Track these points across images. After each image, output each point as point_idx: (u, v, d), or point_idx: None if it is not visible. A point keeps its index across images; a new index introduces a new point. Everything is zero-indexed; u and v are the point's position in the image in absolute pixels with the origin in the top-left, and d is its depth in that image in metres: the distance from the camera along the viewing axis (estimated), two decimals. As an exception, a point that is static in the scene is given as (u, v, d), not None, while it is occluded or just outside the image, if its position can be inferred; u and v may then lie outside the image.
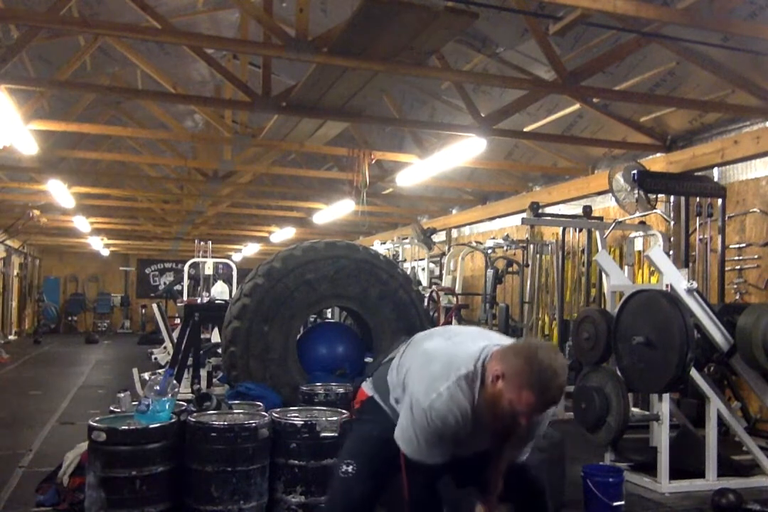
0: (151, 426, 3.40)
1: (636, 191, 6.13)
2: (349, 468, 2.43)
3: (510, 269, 9.41)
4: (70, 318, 21.01)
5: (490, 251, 9.37)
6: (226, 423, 3.55)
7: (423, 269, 10.93)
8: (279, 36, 4.55)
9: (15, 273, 17.90)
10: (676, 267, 4.68)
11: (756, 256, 6.16)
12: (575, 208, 8.30)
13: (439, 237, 12.05)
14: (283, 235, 15.21)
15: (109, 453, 3.32)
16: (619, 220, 6.48)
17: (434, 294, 9.13)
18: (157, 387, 3.56)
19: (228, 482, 3.41)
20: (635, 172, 6.00)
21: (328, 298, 5.46)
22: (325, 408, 4.07)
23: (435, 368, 2.23)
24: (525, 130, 7.48)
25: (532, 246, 8.76)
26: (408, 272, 9.33)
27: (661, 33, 4.94)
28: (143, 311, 20.97)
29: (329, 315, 9.15)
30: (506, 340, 2.37)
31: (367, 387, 2.62)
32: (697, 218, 6.53)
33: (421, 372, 2.27)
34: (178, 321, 9.58)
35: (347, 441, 2.62)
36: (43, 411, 6.95)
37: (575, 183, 8.43)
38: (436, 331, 2.62)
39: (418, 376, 2.27)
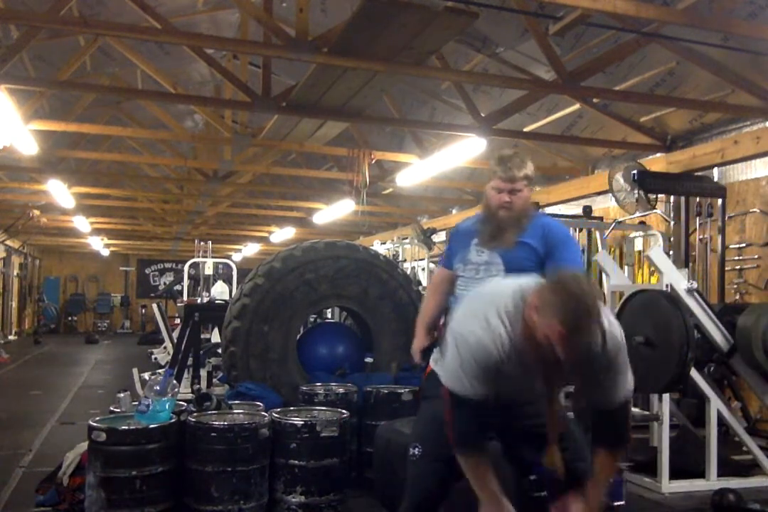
0: (151, 426, 3.40)
1: (636, 191, 6.13)
2: (416, 451, 2.47)
3: (510, 269, 9.38)
4: (70, 318, 21.01)
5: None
6: (226, 423, 3.55)
7: (423, 269, 10.93)
8: (279, 36, 4.55)
9: (15, 273, 17.91)
10: (676, 267, 4.68)
11: (756, 256, 6.17)
12: (575, 208, 8.29)
13: (439, 237, 12.04)
14: (283, 235, 15.21)
15: (109, 453, 3.32)
16: (619, 219, 6.48)
17: (434, 294, 9.10)
18: (157, 387, 3.56)
19: (228, 482, 3.41)
20: (635, 172, 6.00)
21: (328, 298, 5.46)
22: (325, 408, 4.07)
23: (476, 305, 2.24)
24: (525, 130, 7.48)
25: (532, 246, 8.75)
26: (408, 272, 9.32)
27: (661, 33, 4.94)
28: (143, 311, 20.98)
29: (329, 315, 9.14)
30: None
31: (432, 360, 2.64)
32: (697, 218, 6.53)
33: (462, 312, 2.29)
34: (178, 321, 9.58)
35: (416, 420, 2.63)
36: (43, 411, 6.95)
37: (575, 183, 8.43)
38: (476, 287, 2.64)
39: (460, 315, 2.28)
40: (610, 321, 2.15)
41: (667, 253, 5.83)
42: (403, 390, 4.53)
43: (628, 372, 2.21)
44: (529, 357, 2.11)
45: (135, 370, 7.91)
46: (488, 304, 2.20)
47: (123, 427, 3.38)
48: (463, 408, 2.21)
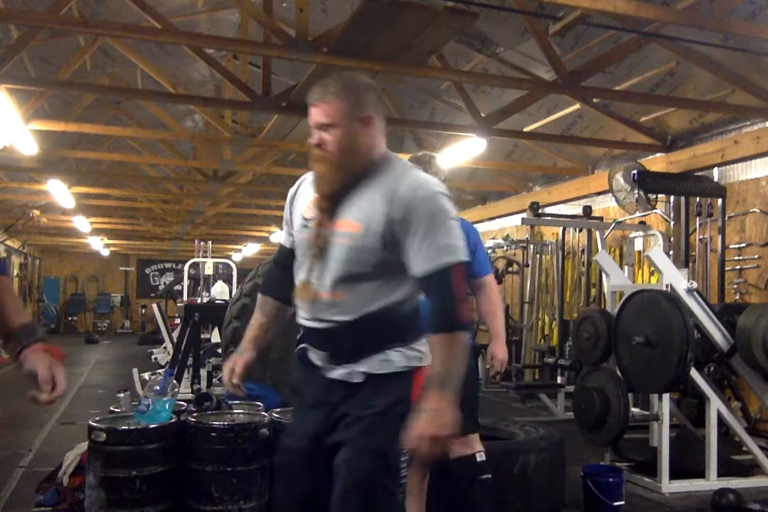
0: (151, 426, 3.40)
1: (636, 191, 6.13)
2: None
3: (510, 269, 9.41)
4: (70, 318, 21.00)
5: (490, 251, 9.37)
6: (226, 423, 3.55)
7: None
8: (279, 36, 4.55)
9: (15, 273, 17.90)
10: (676, 267, 4.68)
11: (756, 256, 6.17)
12: (575, 208, 8.30)
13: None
14: (283, 235, 15.19)
15: (109, 453, 3.31)
16: (619, 220, 6.49)
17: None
18: (157, 387, 3.56)
19: (228, 482, 3.40)
20: (635, 172, 6.00)
21: (328, 298, 5.46)
22: (325, 408, 4.06)
23: None
24: (525, 130, 7.48)
25: (532, 246, 8.77)
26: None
27: (661, 33, 4.95)
28: (143, 311, 20.96)
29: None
30: None
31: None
32: (697, 218, 6.54)
33: None
34: (178, 321, 9.58)
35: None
36: (43, 411, 6.94)
37: (575, 183, 8.43)
38: None
39: None
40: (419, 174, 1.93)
41: (667, 253, 5.83)
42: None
43: (444, 236, 1.80)
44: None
45: (135, 370, 7.91)
46: None
47: (123, 427, 3.38)
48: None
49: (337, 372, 1.97)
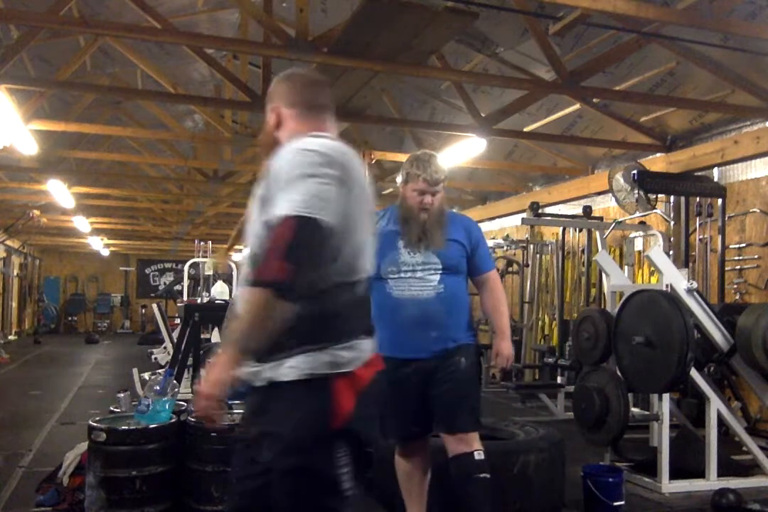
0: (151, 426, 3.40)
1: (636, 191, 6.13)
2: None
3: (510, 269, 9.41)
4: (70, 318, 21.01)
5: (489, 251, 9.37)
6: (226, 423, 3.55)
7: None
8: (279, 36, 4.55)
9: (15, 273, 17.91)
10: (676, 267, 4.68)
11: (756, 256, 6.17)
12: (575, 208, 8.30)
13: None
14: (283, 234, 15.16)
15: (109, 453, 3.32)
16: (619, 220, 6.49)
17: (434, 294, 9.09)
18: (157, 387, 3.56)
19: (228, 482, 3.40)
20: (635, 172, 6.00)
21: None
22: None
23: None
24: (525, 130, 7.48)
25: (532, 246, 8.77)
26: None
27: (661, 33, 4.95)
28: (143, 311, 20.97)
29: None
30: None
31: None
32: (697, 218, 6.54)
33: None
34: (178, 321, 9.57)
35: None
36: (43, 411, 6.95)
37: (575, 183, 8.43)
38: None
39: None
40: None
41: (667, 253, 5.83)
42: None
43: (286, 191, 1.70)
44: None
45: (135, 370, 7.90)
46: None
47: (123, 427, 3.39)
48: None
49: (245, 371, 1.73)
